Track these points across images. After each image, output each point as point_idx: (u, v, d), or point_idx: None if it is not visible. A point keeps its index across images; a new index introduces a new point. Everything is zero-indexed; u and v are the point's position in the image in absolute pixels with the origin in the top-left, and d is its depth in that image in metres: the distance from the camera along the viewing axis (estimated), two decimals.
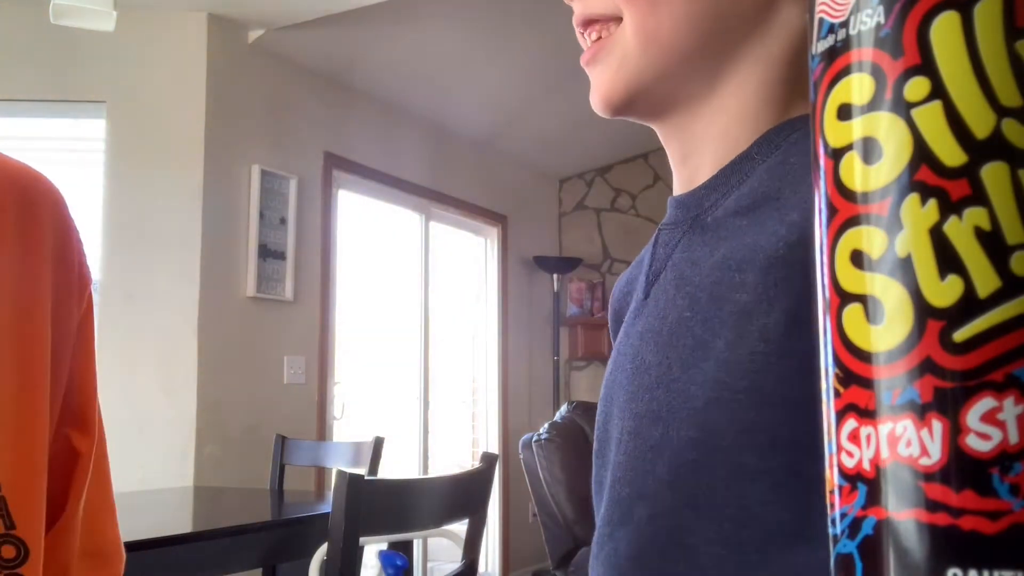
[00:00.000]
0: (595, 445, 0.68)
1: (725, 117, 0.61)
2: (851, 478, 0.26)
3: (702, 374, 0.55)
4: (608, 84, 0.61)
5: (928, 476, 0.24)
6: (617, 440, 0.62)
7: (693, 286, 0.58)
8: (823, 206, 0.27)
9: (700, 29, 0.59)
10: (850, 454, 0.26)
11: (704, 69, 0.60)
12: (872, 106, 0.25)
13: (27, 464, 0.58)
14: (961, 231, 0.23)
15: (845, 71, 0.26)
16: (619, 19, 0.60)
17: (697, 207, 0.62)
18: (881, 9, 0.25)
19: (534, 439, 4.25)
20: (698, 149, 0.63)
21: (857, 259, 0.25)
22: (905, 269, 0.24)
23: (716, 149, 0.61)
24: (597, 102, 0.63)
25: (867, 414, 0.25)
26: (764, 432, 0.52)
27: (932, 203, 0.24)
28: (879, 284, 0.25)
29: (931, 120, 0.24)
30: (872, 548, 0.25)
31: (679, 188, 0.66)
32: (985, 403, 0.23)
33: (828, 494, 0.27)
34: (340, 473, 1.58)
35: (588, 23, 0.62)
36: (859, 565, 0.25)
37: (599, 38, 0.62)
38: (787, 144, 0.57)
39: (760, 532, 0.52)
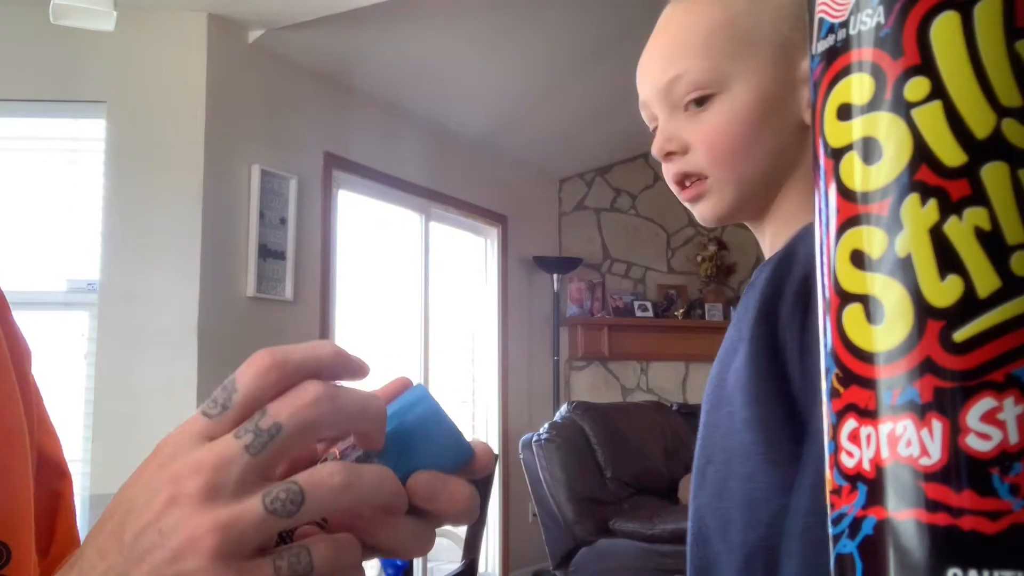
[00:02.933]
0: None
1: (775, 223, 0.84)
2: (851, 478, 0.26)
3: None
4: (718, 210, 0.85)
5: (928, 476, 0.23)
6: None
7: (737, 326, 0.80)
8: (823, 206, 0.27)
9: (763, 173, 0.82)
10: (850, 454, 0.26)
11: (764, 196, 0.84)
12: (872, 106, 0.25)
13: (6, 475, 0.58)
14: (961, 231, 0.23)
15: (845, 71, 0.26)
16: (704, 176, 0.84)
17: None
18: (881, 9, 0.25)
19: (534, 439, 4.24)
20: (764, 244, 0.86)
21: (857, 259, 0.25)
22: (905, 269, 0.24)
23: (773, 246, 0.84)
24: (713, 223, 0.87)
25: (867, 414, 0.25)
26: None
27: (932, 203, 0.24)
28: (879, 284, 0.25)
29: (931, 120, 0.24)
30: (872, 548, 0.25)
31: None
32: (985, 403, 0.23)
33: (828, 494, 0.27)
34: None
35: (683, 178, 0.85)
36: (859, 565, 0.25)
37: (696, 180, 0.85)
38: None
39: None
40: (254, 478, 0.36)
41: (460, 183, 4.96)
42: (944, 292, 0.24)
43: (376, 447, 0.40)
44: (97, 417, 3.25)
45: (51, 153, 3.52)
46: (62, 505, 0.68)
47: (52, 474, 0.67)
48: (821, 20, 0.27)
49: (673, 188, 0.86)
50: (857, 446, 0.25)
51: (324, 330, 3.92)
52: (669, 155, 0.84)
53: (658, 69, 0.85)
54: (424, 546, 0.42)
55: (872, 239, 0.25)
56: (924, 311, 0.24)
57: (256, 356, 0.39)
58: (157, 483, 0.36)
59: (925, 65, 0.24)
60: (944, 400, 0.23)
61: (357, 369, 0.41)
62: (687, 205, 0.86)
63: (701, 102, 0.81)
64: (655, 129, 0.87)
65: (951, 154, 0.24)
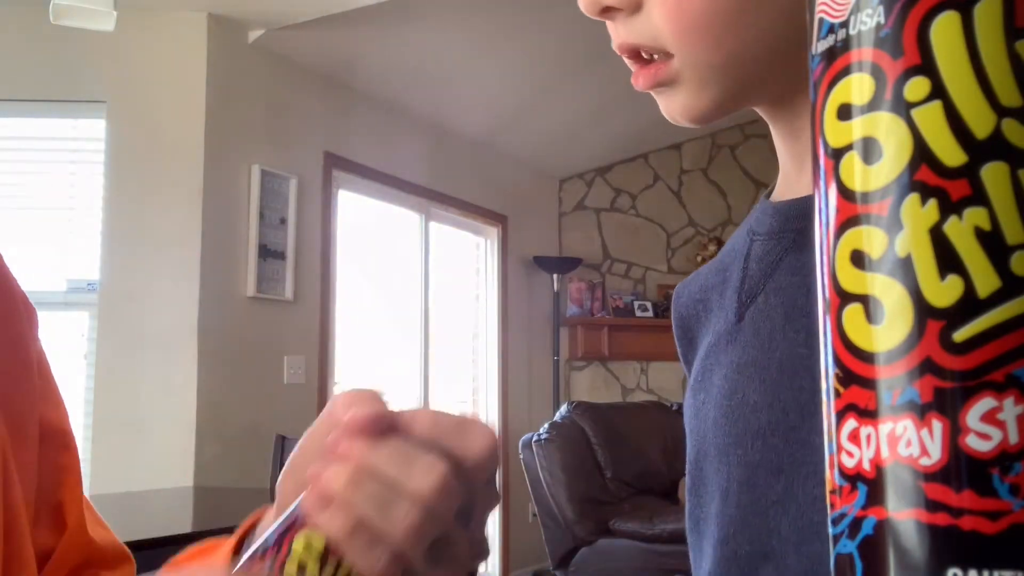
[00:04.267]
0: (688, 480, 0.61)
1: (791, 114, 0.55)
2: (851, 478, 0.26)
3: None
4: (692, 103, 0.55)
5: (928, 476, 0.23)
6: (724, 490, 0.56)
7: (809, 319, 0.51)
8: (823, 206, 0.27)
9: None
10: (850, 454, 0.26)
11: (768, 79, 0.53)
12: (872, 106, 0.25)
13: None
14: (961, 231, 0.23)
15: (845, 71, 0.26)
16: (667, 52, 0.53)
17: (804, 218, 0.53)
18: (881, 9, 0.25)
19: (534, 439, 4.24)
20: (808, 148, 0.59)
21: (857, 259, 0.25)
22: (905, 269, 0.24)
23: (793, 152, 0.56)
24: (683, 121, 0.56)
25: (867, 414, 0.25)
26: None
27: (932, 203, 0.24)
28: (879, 284, 0.25)
29: (931, 120, 0.24)
30: (872, 548, 0.25)
31: (783, 192, 0.58)
32: (985, 403, 0.23)
33: (828, 494, 0.27)
34: None
35: (633, 52, 0.55)
36: (859, 565, 0.25)
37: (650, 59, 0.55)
38: None
39: None
40: None
41: (460, 183, 4.96)
42: (944, 292, 0.24)
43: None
44: (97, 417, 3.25)
45: (51, 153, 3.52)
46: (68, 479, 0.66)
47: (55, 446, 0.66)
48: (821, 20, 0.27)
49: (627, 63, 0.56)
50: (857, 446, 0.25)
51: (324, 330, 3.92)
52: (608, 10, 0.53)
53: None
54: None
55: (872, 239, 0.25)
56: (924, 311, 0.24)
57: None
58: None
59: (925, 65, 0.24)
60: (944, 400, 0.23)
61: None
62: (650, 93, 0.56)
63: None
64: None
65: (951, 154, 0.24)
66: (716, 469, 0.57)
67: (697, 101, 0.53)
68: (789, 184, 0.57)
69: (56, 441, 0.66)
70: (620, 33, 0.54)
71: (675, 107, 0.54)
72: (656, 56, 0.53)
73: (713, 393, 0.58)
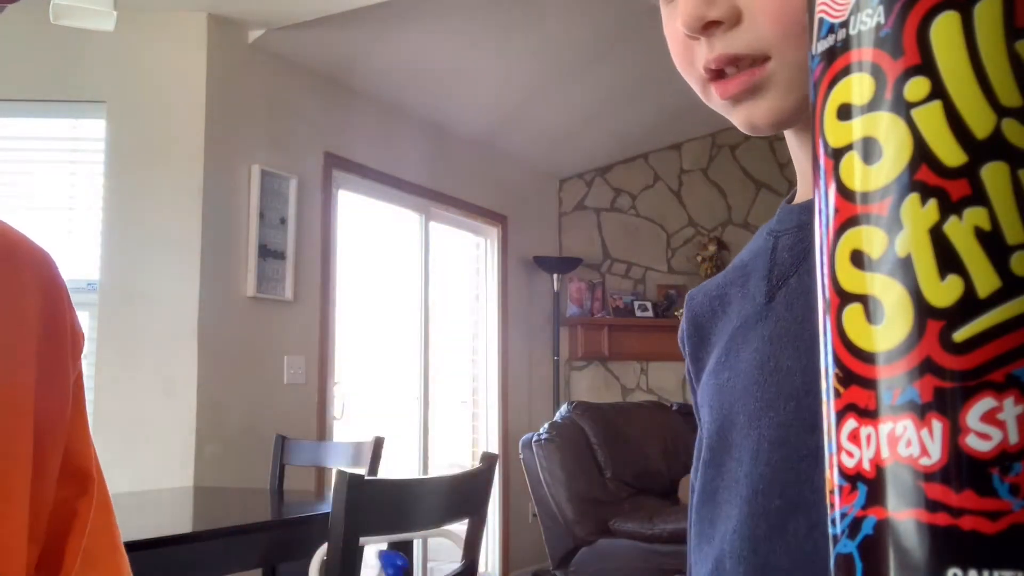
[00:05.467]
0: (705, 454, 0.63)
1: None
2: (851, 478, 0.26)
3: None
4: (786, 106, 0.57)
5: (928, 476, 0.23)
6: (754, 451, 0.57)
7: None
8: (823, 206, 0.27)
9: None
10: (850, 454, 0.26)
11: None
12: (872, 106, 0.25)
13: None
14: (961, 231, 0.23)
15: (845, 71, 0.26)
16: (766, 57, 0.56)
17: None
18: (881, 9, 0.25)
19: (534, 439, 4.25)
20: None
21: (857, 259, 0.25)
22: (905, 269, 0.24)
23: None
24: (767, 129, 0.59)
25: (867, 414, 0.25)
26: None
27: (932, 203, 0.24)
28: (879, 284, 0.25)
29: (931, 120, 0.24)
30: (872, 548, 0.25)
31: (805, 194, 0.63)
32: (985, 403, 0.23)
33: (828, 494, 0.27)
34: (340, 473, 1.58)
35: (732, 62, 0.57)
36: (859, 565, 0.25)
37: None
38: None
39: None
40: None
41: (460, 183, 4.96)
42: (944, 292, 0.24)
43: None
44: (97, 417, 3.25)
45: (51, 153, 3.52)
46: (76, 524, 0.65)
47: (74, 488, 0.64)
48: (821, 20, 0.27)
49: (697, 85, 0.59)
50: (857, 446, 0.25)
51: (324, 330, 3.92)
52: (711, 26, 0.56)
53: None
54: None
55: (872, 239, 0.25)
56: (924, 311, 0.24)
57: None
58: None
59: (925, 65, 0.24)
60: (944, 400, 0.23)
61: None
62: (724, 105, 0.58)
63: None
64: None
65: (951, 154, 0.24)
66: (746, 434, 0.58)
67: (784, 103, 0.56)
68: (811, 186, 0.59)
69: (76, 482, 0.65)
70: (716, 47, 0.56)
71: (760, 112, 0.57)
72: (747, 66, 0.56)
73: (741, 367, 0.60)
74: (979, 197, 0.23)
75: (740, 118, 0.58)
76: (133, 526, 2.12)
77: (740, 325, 0.62)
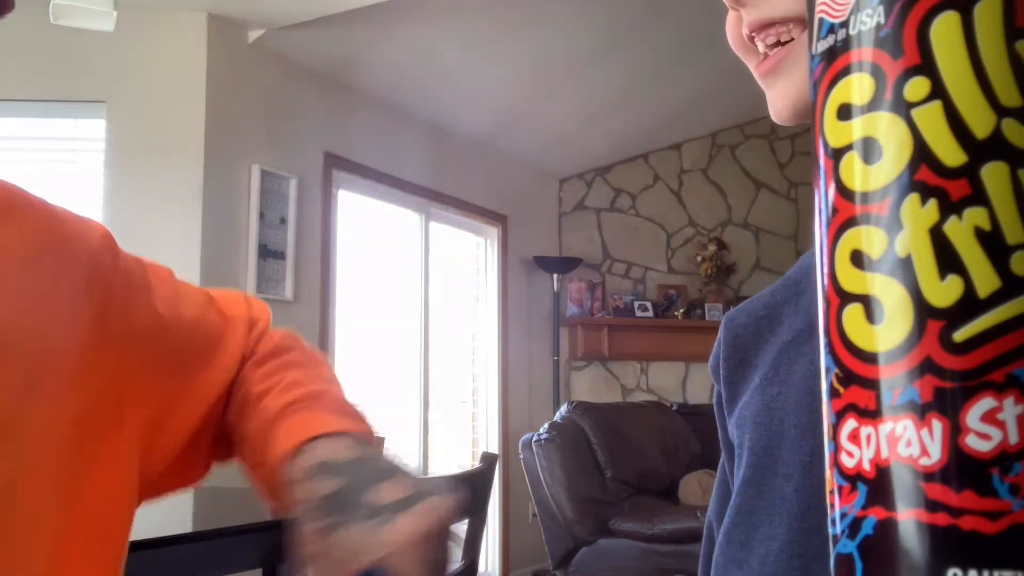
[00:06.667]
0: (746, 471, 0.61)
1: None
2: (851, 478, 0.26)
3: None
4: (802, 94, 0.56)
5: (928, 476, 0.23)
6: (806, 464, 0.56)
7: None
8: (823, 206, 0.27)
9: None
10: (850, 454, 0.26)
11: None
12: (872, 106, 0.25)
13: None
14: (961, 231, 0.23)
15: (845, 71, 0.26)
16: (802, 20, 0.54)
17: None
18: (881, 9, 0.25)
19: (534, 439, 4.24)
20: None
21: (857, 259, 0.25)
22: (905, 269, 0.24)
23: None
24: (787, 114, 0.58)
25: (867, 414, 0.25)
26: None
27: (932, 203, 0.24)
28: (879, 284, 0.25)
29: (931, 120, 0.24)
30: (872, 548, 0.25)
31: None
32: (985, 403, 0.23)
33: (828, 494, 0.27)
34: None
35: (765, 27, 0.56)
36: (859, 565, 0.25)
37: (779, 43, 0.56)
38: None
39: None
40: None
41: (460, 183, 4.96)
42: (944, 292, 0.24)
43: None
44: None
45: (51, 153, 3.52)
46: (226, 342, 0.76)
47: (194, 361, 0.73)
48: (821, 20, 0.27)
49: (741, 49, 0.60)
50: (857, 446, 0.25)
51: (324, 330, 3.92)
52: None
53: None
54: None
55: (872, 239, 0.25)
56: (924, 311, 0.24)
57: None
58: None
59: (925, 65, 0.24)
60: (944, 400, 0.23)
61: None
62: (766, 82, 0.59)
63: None
64: None
65: (951, 154, 0.24)
66: (798, 446, 0.57)
67: (800, 90, 0.55)
68: None
69: (195, 355, 0.75)
70: (752, 13, 0.57)
71: (777, 93, 0.57)
72: (792, 35, 0.56)
73: (794, 380, 0.59)
74: (979, 197, 0.23)
75: (768, 102, 0.58)
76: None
77: (792, 340, 0.61)
